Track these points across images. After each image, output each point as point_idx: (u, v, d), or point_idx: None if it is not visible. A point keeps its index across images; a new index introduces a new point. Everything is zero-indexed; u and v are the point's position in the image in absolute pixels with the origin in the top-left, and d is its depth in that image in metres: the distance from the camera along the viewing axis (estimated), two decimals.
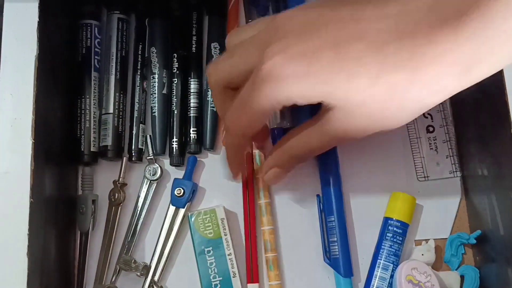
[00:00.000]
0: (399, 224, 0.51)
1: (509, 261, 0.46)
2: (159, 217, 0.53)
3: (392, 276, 0.50)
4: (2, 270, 0.40)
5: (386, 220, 0.52)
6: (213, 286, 0.50)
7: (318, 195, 0.53)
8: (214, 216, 0.51)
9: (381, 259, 0.50)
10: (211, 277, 0.50)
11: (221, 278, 0.50)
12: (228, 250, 0.51)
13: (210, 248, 0.51)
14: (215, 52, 0.56)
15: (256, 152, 0.54)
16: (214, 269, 0.50)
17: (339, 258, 0.51)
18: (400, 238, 0.51)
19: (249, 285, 0.51)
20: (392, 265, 0.50)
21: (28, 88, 0.43)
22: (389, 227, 0.51)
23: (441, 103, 0.55)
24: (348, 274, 0.51)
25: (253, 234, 0.52)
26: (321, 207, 0.53)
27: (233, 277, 0.50)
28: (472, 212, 0.53)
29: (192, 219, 0.52)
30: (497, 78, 0.43)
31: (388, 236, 0.51)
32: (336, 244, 0.51)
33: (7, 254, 0.41)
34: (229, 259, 0.51)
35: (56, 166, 0.49)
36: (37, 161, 0.42)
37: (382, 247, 0.51)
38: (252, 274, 0.51)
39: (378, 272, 0.50)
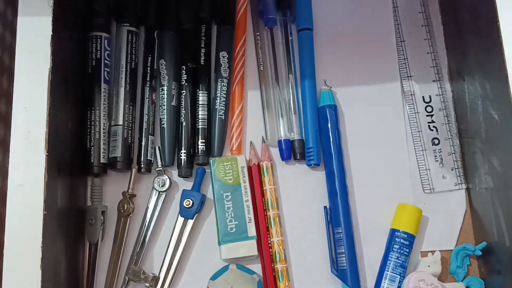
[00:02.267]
0: (406, 236, 0.51)
1: None
2: (168, 228, 0.54)
3: None
4: (16, 282, 0.41)
5: (393, 231, 0.52)
6: (228, 229, 0.51)
7: (325, 207, 0.54)
8: (235, 164, 0.53)
9: (388, 271, 0.51)
10: (228, 221, 0.52)
11: (237, 223, 0.52)
12: (246, 197, 0.52)
13: (229, 194, 0.52)
14: (224, 61, 0.56)
15: (264, 163, 0.54)
16: (231, 214, 0.52)
17: (347, 270, 0.51)
18: (407, 250, 0.51)
19: None
20: (399, 276, 0.51)
21: (42, 101, 0.44)
22: (396, 239, 0.51)
23: (446, 116, 0.56)
24: (356, 285, 0.51)
25: (265, 245, 0.52)
26: (329, 219, 0.53)
27: (249, 222, 0.52)
28: (477, 223, 0.53)
29: (214, 165, 0.53)
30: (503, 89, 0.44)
31: (395, 247, 0.51)
32: (344, 255, 0.52)
33: (21, 266, 0.41)
34: (246, 205, 0.52)
35: (67, 177, 0.49)
36: (50, 174, 0.43)
37: (389, 258, 0.51)
38: (269, 285, 0.52)
39: (385, 284, 0.51)
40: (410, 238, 0.52)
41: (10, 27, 0.52)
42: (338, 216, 0.53)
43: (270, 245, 0.53)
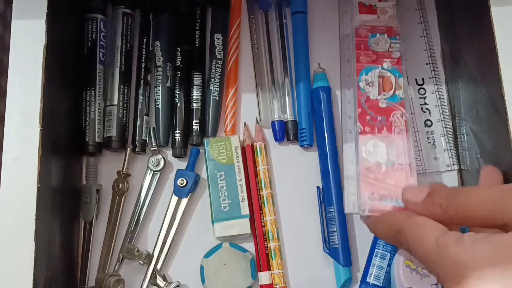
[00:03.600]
0: None
1: None
2: (162, 207, 0.54)
3: (389, 265, 0.51)
4: (10, 254, 0.41)
5: None
6: (222, 208, 0.52)
7: (318, 187, 0.54)
8: (229, 144, 0.54)
9: (378, 249, 0.51)
10: (221, 200, 0.52)
11: (230, 201, 0.52)
12: (239, 177, 0.53)
13: (223, 173, 0.53)
14: (218, 43, 0.57)
15: (257, 144, 0.55)
16: (224, 193, 0.52)
17: (339, 248, 0.52)
18: None
19: (260, 273, 0.52)
20: (389, 254, 0.51)
21: (37, 77, 0.44)
22: None
23: (438, 98, 0.56)
24: (347, 263, 0.52)
25: (258, 223, 0.53)
26: (321, 199, 0.54)
27: (242, 201, 0.52)
28: None
29: (208, 145, 0.53)
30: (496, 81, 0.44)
31: None
32: (336, 234, 0.52)
33: (15, 239, 0.41)
34: (239, 184, 0.53)
35: (62, 156, 0.50)
36: (44, 149, 0.43)
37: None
38: (261, 262, 0.52)
39: (376, 261, 0.51)
40: None
41: (10, 28, 0.52)
42: (331, 195, 0.53)
43: (263, 223, 0.53)
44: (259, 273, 0.52)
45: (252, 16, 0.58)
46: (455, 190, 0.39)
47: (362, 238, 0.54)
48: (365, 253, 0.53)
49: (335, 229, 0.52)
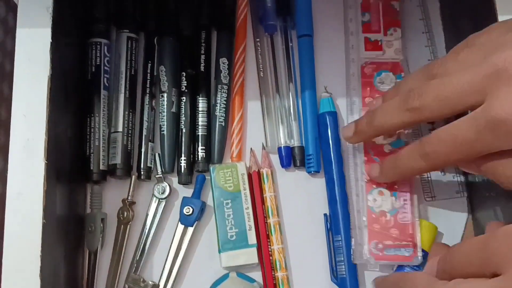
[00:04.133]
0: (423, 253, 0.51)
1: None
2: (168, 235, 0.53)
3: None
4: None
5: None
6: (229, 237, 0.51)
7: (325, 214, 0.54)
8: (235, 171, 0.53)
9: None
10: (228, 228, 0.51)
11: (237, 230, 0.52)
12: (246, 204, 0.52)
13: (229, 201, 0.52)
14: (223, 67, 0.56)
15: (264, 170, 0.54)
16: (231, 221, 0.52)
17: (346, 277, 0.51)
18: (421, 268, 0.51)
19: None
20: None
21: (41, 109, 0.43)
22: None
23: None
24: None
25: (266, 253, 0.52)
26: (328, 226, 0.53)
27: (249, 230, 0.52)
28: (479, 231, 0.53)
29: (214, 172, 0.53)
30: None
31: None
32: (343, 263, 0.51)
33: (20, 275, 0.41)
34: (246, 212, 0.52)
35: (66, 184, 0.49)
36: (49, 181, 0.43)
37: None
38: None
39: None
40: (425, 255, 0.51)
41: (11, 33, 0.52)
42: (338, 223, 0.52)
43: (270, 253, 0.52)
44: None
45: (258, 39, 0.58)
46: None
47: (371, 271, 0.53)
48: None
49: (342, 258, 0.52)
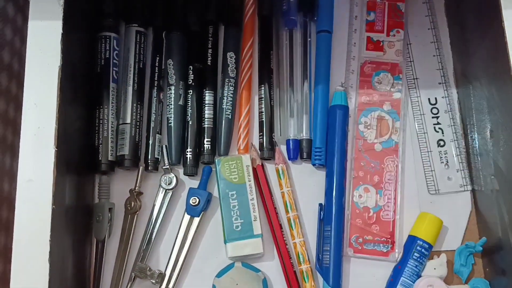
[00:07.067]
0: (427, 245, 0.52)
1: None
2: (174, 226, 0.54)
3: None
4: (25, 276, 0.41)
5: (414, 239, 0.52)
6: (234, 227, 0.52)
7: (320, 204, 0.54)
8: (240, 163, 0.54)
9: (405, 277, 0.51)
10: (233, 219, 0.52)
11: (242, 221, 0.52)
12: (251, 195, 0.53)
13: (234, 192, 0.53)
14: (231, 62, 0.57)
15: (279, 166, 0.55)
16: (236, 212, 0.52)
17: (330, 268, 0.52)
18: (425, 260, 0.52)
19: None
20: (413, 284, 0.51)
21: (52, 98, 0.44)
22: (418, 247, 0.52)
23: (451, 118, 0.56)
24: (336, 285, 0.52)
25: (282, 245, 0.53)
26: (321, 216, 0.54)
27: (254, 220, 0.52)
28: (482, 225, 0.54)
29: (219, 164, 0.53)
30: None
31: (415, 256, 0.51)
32: (329, 253, 0.52)
33: (29, 260, 0.41)
34: (251, 203, 0.53)
35: (75, 175, 0.50)
36: (58, 170, 0.43)
37: (408, 265, 0.51)
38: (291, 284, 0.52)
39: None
40: (429, 248, 0.52)
41: (20, 33, 0.53)
42: (331, 214, 0.53)
43: (286, 243, 0.53)
44: None
45: (276, 33, 0.58)
46: None
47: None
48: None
49: (329, 248, 0.52)
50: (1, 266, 0.48)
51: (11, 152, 0.51)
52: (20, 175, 0.43)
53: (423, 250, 0.51)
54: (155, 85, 0.57)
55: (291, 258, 0.53)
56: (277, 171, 0.55)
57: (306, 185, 0.56)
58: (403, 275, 0.51)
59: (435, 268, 0.52)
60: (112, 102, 0.55)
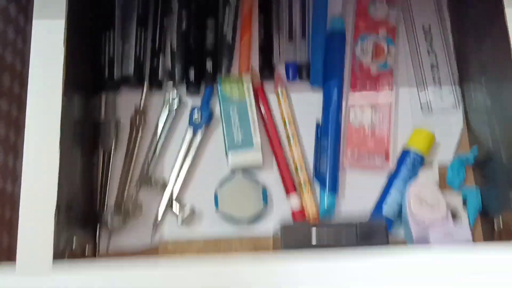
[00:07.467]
0: (419, 157, 0.54)
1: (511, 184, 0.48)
2: (177, 142, 0.56)
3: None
4: (36, 182, 0.43)
5: (407, 152, 0.54)
6: (235, 140, 0.54)
7: (317, 125, 0.57)
8: (241, 82, 0.56)
9: (397, 183, 0.53)
10: (234, 134, 0.55)
11: (243, 134, 0.55)
12: (251, 111, 0.55)
13: (235, 108, 0.55)
14: None
15: (278, 87, 0.57)
16: (237, 126, 0.55)
17: (326, 174, 0.54)
18: (417, 170, 0.54)
19: (289, 194, 0.55)
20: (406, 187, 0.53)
21: (60, 21, 0.46)
22: (411, 157, 0.54)
23: (444, 41, 0.58)
24: (333, 191, 0.54)
25: (280, 154, 0.56)
26: (319, 135, 0.56)
27: (254, 133, 0.55)
28: (473, 140, 0.56)
29: (221, 84, 0.56)
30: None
31: (408, 166, 0.54)
32: (326, 160, 0.54)
33: (40, 168, 0.43)
34: (251, 118, 0.55)
35: (83, 92, 0.52)
36: (67, 85, 0.45)
37: (401, 173, 0.54)
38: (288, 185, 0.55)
39: (393, 192, 0.53)
40: (422, 159, 0.54)
41: (22, 34, 0.53)
42: (327, 126, 0.55)
43: (284, 155, 0.56)
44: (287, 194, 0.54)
45: None
46: None
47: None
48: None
49: (326, 158, 0.54)
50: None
51: (14, 152, 0.50)
52: (30, 90, 0.44)
53: (415, 162, 0.54)
54: (159, 9, 0.59)
55: (288, 166, 0.55)
56: (277, 93, 0.57)
57: (304, 105, 0.58)
58: (396, 180, 0.53)
59: (427, 177, 0.54)
60: (118, 26, 0.57)
